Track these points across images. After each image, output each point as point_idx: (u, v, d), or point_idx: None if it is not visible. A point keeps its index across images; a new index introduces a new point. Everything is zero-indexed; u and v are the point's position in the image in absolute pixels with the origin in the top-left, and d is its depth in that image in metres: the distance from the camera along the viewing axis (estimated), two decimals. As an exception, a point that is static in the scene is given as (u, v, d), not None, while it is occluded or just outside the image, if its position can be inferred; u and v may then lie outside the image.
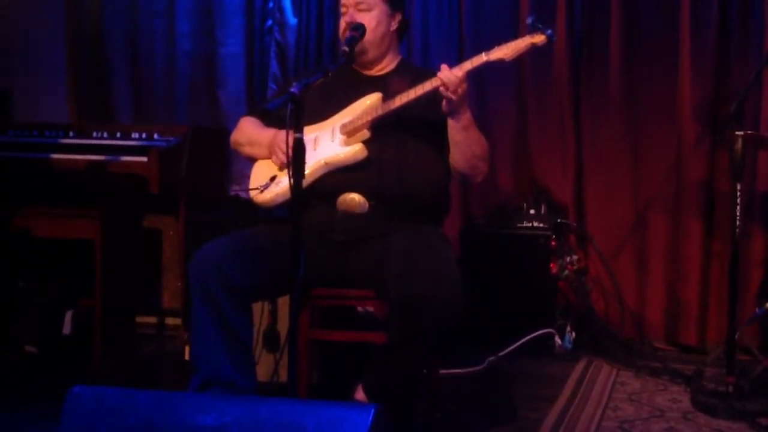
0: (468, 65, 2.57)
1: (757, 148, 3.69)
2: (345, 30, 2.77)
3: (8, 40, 4.39)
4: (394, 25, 2.85)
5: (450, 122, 2.63)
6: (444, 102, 2.56)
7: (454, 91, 2.53)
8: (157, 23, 4.59)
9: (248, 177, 2.90)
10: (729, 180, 3.25)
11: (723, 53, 3.89)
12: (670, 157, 3.97)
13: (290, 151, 2.16)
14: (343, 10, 2.80)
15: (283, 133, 2.65)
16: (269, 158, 2.81)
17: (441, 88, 2.55)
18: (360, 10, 2.76)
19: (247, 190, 2.86)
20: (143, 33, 4.61)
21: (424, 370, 2.76)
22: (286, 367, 2.22)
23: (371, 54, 2.81)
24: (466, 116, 2.63)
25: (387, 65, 2.87)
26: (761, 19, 3.79)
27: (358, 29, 2.70)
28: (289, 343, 2.16)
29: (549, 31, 2.53)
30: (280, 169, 2.76)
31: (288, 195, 2.62)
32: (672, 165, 3.96)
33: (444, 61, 2.59)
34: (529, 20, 2.56)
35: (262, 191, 2.77)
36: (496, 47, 2.57)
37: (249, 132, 2.92)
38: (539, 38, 2.53)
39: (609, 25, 4.02)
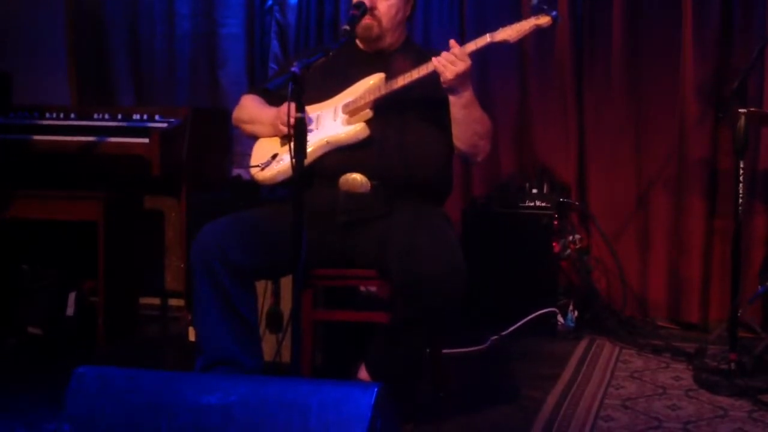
0: (472, 46, 2.57)
1: (760, 126, 3.68)
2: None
3: (8, 23, 4.38)
4: (408, 11, 2.84)
5: (450, 99, 2.62)
6: (441, 77, 2.55)
7: (453, 67, 2.52)
8: (156, 4, 4.57)
9: (249, 155, 2.89)
10: (732, 158, 3.25)
11: (725, 31, 3.87)
12: (672, 136, 3.96)
13: (292, 128, 2.16)
14: None
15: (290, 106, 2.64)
16: (271, 136, 2.81)
17: (435, 62, 2.54)
18: None
19: (248, 167, 2.86)
20: (143, 14, 4.59)
21: (427, 350, 2.77)
22: (289, 347, 2.22)
23: (388, 39, 2.81)
24: (467, 94, 2.62)
25: (392, 44, 2.85)
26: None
27: (359, 7, 2.69)
28: (292, 324, 2.16)
29: (554, 13, 2.52)
30: (282, 145, 2.76)
31: (289, 173, 2.63)
32: (674, 143, 3.96)
33: (445, 44, 2.58)
34: (534, 1, 2.55)
35: (263, 169, 2.77)
36: (500, 28, 2.56)
37: (251, 110, 2.91)
38: (544, 20, 2.52)
39: (611, 4, 4.00)
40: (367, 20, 2.72)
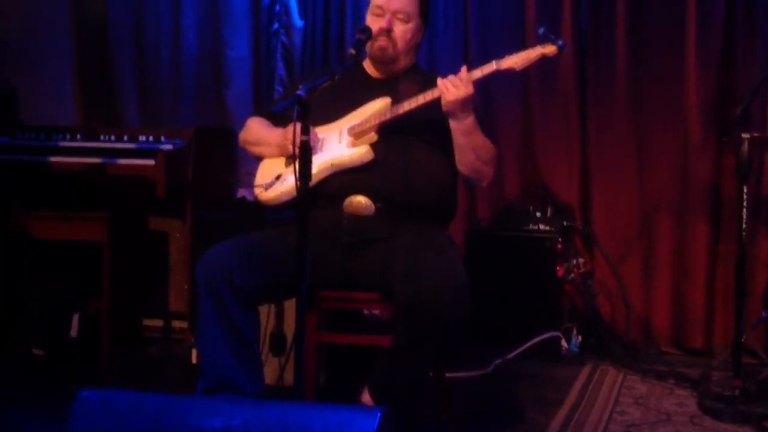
0: (478, 73, 2.59)
1: (763, 150, 3.69)
2: (378, 34, 2.75)
3: (13, 42, 4.40)
4: (419, 37, 2.87)
5: (452, 124, 2.64)
6: (442, 101, 2.57)
7: (455, 92, 2.53)
8: (163, 24, 4.60)
9: (254, 175, 2.90)
10: (735, 182, 3.25)
11: (729, 56, 3.89)
12: (676, 160, 3.96)
13: (297, 150, 2.17)
14: (377, 12, 2.77)
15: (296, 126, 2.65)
16: (277, 157, 2.82)
17: (440, 86, 2.56)
18: (399, 19, 2.77)
19: (252, 187, 2.87)
20: (149, 34, 4.62)
21: (430, 373, 2.76)
22: (293, 370, 2.22)
23: (401, 62, 2.83)
24: (469, 121, 2.63)
25: (402, 68, 2.87)
26: (767, 22, 3.79)
27: (365, 32, 2.71)
28: (296, 346, 2.15)
29: (560, 42, 2.54)
30: (287, 166, 2.77)
31: (293, 194, 2.64)
32: (678, 167, 3.96)
33: (449, 68, 2.59)
34: (540, 30, 2.57)
35: (266, 189, 2.78)
36: (506, 56, 2.58)
37: (257, 131, 2.93)
38: (550, 49, 2.55)
39: (614, 29, 4.02)
40: (382, 42, 2.75)
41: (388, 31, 2.75)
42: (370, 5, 2.81)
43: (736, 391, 3.05)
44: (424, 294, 2.38)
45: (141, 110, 4.64)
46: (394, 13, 2.76)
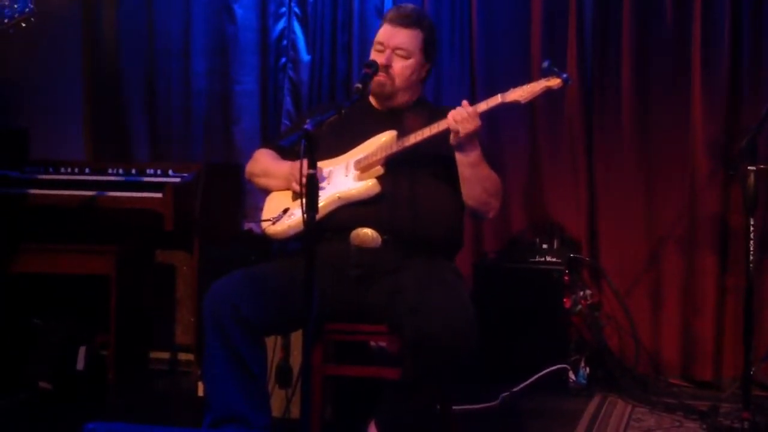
0: (483, 106, 2.61)
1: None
2: (378, 68, 2.77)
3: (26, 83, 4.45)
4: (423, 74, 2.88)
5: (458, 157, 2.65)
6: (451, 135, 2.59)
7: (463, 126, 2.55)
8: (173, 62, 4.64)
9: (261, 209, 2.91)
10: (742, 214, 3.25)
11: (734, 89, 3.90)
12: (683, 192, 3.96)
13: (304, 186, 2.18)
14: (378, 47, 2.79)
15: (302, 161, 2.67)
16: (284, 189, 2.83)
17: (448, 119, 2.58)
18: (398, 56, 2.79)
19: (259, 221, 2.88)
20: (159, 71, 4.66)
21: (438, 406, 2.75)
22: (299, 402, 2.21)
23: (400, 98, 2.85)
24: (475, 154, 2.64)
25: (405, 103, 2.89)
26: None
27: (372, 66, 2.74)
28: (302, 379, 2.15)
29: (564, 75, 2.56)
30: (294, 199, 2.78)
31: (300, 227, 2.64)
32: (685, 200, 3.96)
33: (455, 101, 2.61)
34: (545, 64, 2.59)
35: (274, 223, 2.78)
36: (511, 89, 2.60)
37: (264, 163, 2.94)
38: (555, 82, 2.56)
39: (620, 63, 4.04)
40: (380, 78, 2.77)
41: (386, 67, 2.77)
42: (374, 42, 2.84)
43: (746, 424, 3.02)
44: (433, 329, 2.37)
45: (151, 150, 4.66)
46: (393, 49, 2.78)
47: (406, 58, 2.79)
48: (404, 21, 2.79)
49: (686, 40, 3.94)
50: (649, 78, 4.04)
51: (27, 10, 3.03)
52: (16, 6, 3.02)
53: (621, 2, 4.03)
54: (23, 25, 3.05)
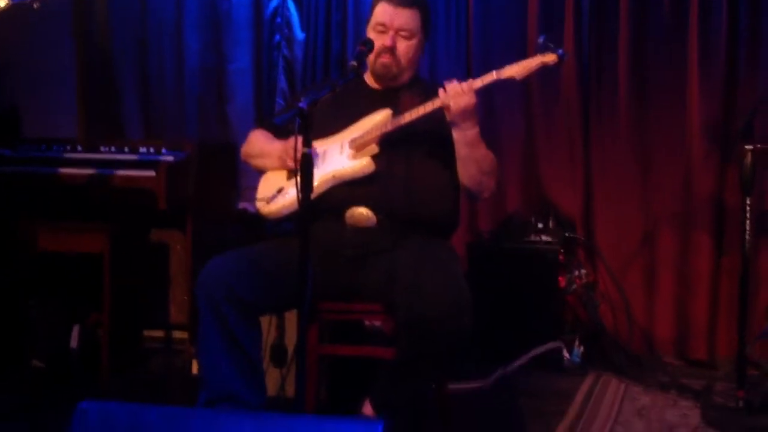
0: (479, 83, 2.59)
1: (767, 163, 3.68)
2: (381, 51, 2.75)
3: (17, 62, 4.41)
4: (422, 51, 2.88)
5: (455, 136, 2.64)
6: (445, 111, 2.57)
7: (455, 101, 2.53)
8: (165, 39, 4.60)
9: (256, 189, 2.90)
10: (738, 194, 3.24)
11: (731, 68, 3.88)
12: (679, 172, 3.96)
13: (298, 164, 2.17)
14: (380, 28, 2.76)
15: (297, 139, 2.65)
16: (279, 169, 2.82)
17: (442, 95, 2.56)
18: (402, 37, 2.77)
19: (254, 201, 2.87)
20: (152, 49, 4.62)
21: (433, 385, 2.75)
22: (294, 382, 2.21)
23: (405, 77, 2.83)
24: (473, 132, 2.63)
25: (405, 81, 2.87)
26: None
27: (367, 44, 2.71)
28: (297, 359, 2.15)
29: (560, 51, 2.55)
30: (288, 179, 2.77)
31: (294, 206, 2.63)
32: (681, 179, 3.96)
33: (451, 77, 2.59)
34: (540, 39, 2.57)
35: (268, 202, 2.77)
36: (507, 66, 2.59)
37: (259, 144, 2.93)
38: (550, 57, 2.55)
39: (617, 41, 4.02)
40: (386, 59, 2.76)
41: (391, 49, 2.76)
42: (372, 21, 2.81)
43: (740, 403, 3.04)
44: (427, 309, 2.37)
45: (144, 128, 4.63)
46: (397, 30, 2.76)
47: (410, 38, 2.78)
48: (405, 1, 2.77)
49: (683, 20, 3.92)
50: (646, 57, 4.02)
51: None
52: None
53: (618, -19, 4.01)
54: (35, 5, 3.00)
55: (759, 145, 3.12)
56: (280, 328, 3.24)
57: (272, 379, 3.16)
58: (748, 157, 3.06)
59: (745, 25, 3.85)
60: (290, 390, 3.12)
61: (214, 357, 2.54)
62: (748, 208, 3.09)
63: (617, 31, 4.02)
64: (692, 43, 3.90)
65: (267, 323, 3.18)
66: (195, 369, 3.55)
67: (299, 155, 2.17)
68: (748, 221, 3.10)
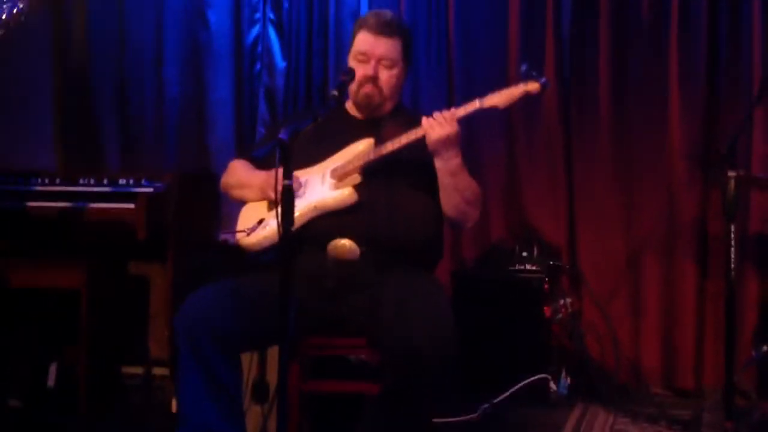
0: (461, 111, 2.58)
1: (750, 189, 3.68)
2: (363, 81, 2.73)
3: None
4: (404, 79, 2.85)
5: (437, 165, 2.61)
6: (427, 140, 2.55)
7: (435, 130, 2.51)
8: (145, 69, 4.55)
9: (236, 220, 2.85)
10: (722, 221, 3.23)
11: (713, 94, 3.89)
12: (662, 199, 3.95)
13: (280, 194, 2.13)
14: (361, 58, 2.74)
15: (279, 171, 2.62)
16: (259, 200, 2.78)
17: (425, 124, 2.54)
18: (383, 66, 2.75)
19: (234, 232, 2.82)
20: (131, 79, 4.56)
21: (423, 421, 2.69)
22: (275, 419, 2.16)
23: (387, 106, 2.82)
24: (456, 161, 2.60)
25: (388, 111, 2.84)
26: (750, 61, 3.80)
27: (349, 74, 2.68)
28: (278, 396, 2.10)
29: (543, 79, 2.54)
30: (269, 210, 2.72)
31: (275, 238, 2.59)
32: (664, 205, 3.94)
33: (434, 107, 2.58)
34: (523, 68, 2.57)
35: (248, 234, 2.73)
36: (489, 94, 2.57)
37: (239, 174, 2.89)
38: (533, 86, 2.54)
39: (597, 67, 4.02)
40: (368, 89, 2.74)
41: (373, 78, 2.73)
42: (353, 50, 2.78)
43: (729, 434, 3.00)
44: (413, 343, 2.33)
45: (123, 159, 4.56)
46: (378, 60, 2.74)
47: (391, 67, 2.76)
48: (386, 30, 2.75)
49: (663, 45, 3.93)
50: (626, 83, 4.02)
51: (17, 8, 2.94)
52: (4, 6, 2.93)
53: (598, 8, 4.01)
54: (15, 22, 2.95)
55: (742, 172, 3.11)
56: (262, 365, 3.17)
57: (254, 417, 3.09)
58: (731, 184, 3.04)
59: (725, 48, 3.86)
60: (272, 427, 3.06)
61: (193, 393, 2.49)
62: (732, 234, 3.07)
63: (597, 58, 4.02)
64: (672, 67, 3.90)
65: (248, 359, 3.12)
66: (175, 406, 3.47)
67: (280, 187, 2.13)
68: (732, 248, 3.07)
